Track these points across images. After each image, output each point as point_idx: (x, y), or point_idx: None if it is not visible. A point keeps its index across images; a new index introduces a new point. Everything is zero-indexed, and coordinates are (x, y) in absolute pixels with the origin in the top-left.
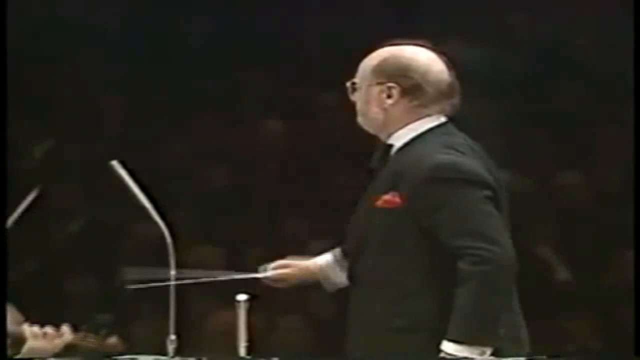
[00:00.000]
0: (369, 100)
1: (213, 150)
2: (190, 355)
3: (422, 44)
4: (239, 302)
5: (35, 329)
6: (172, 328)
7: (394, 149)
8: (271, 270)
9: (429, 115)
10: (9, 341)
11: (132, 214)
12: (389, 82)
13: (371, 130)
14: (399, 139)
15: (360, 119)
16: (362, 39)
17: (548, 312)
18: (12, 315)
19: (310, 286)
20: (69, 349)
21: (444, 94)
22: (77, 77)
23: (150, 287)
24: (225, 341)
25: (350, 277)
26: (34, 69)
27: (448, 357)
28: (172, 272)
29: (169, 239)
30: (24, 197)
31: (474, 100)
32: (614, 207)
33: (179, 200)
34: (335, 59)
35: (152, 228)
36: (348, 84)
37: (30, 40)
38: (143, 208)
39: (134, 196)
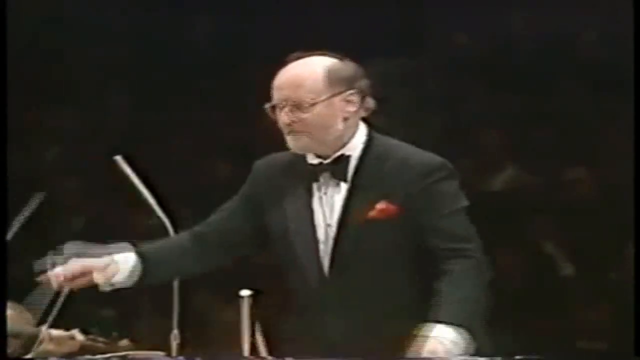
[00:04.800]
0: (331, 114)
1: (216, 145)
2: (193, 352)
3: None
4: (242, 297)
5: (53, 332)
6: (175, 323)
7: (353, 159)
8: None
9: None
10: (20, 341)
11: (135, 209)
12: (349, 89)
13: (319, 148)
14: (354, 149)
15: (310, 138)
16: (363, 37)
17: (549, 310)
18: (21, 315)
19: None
20: (79, 352)
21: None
22: (80, 74)
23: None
24: (229, 337)
25: (330, 286)
26: (36, 66)
27: (441, 339)
28: None
29: (172, 234)
30: (25, 197)
31: (480, 97)
32: (619, 204)
33: (182, 195)
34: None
35: (155, 223)
36: (286, 106)
37: (32, 37)
38: (146, 203)
39: (137, 191)
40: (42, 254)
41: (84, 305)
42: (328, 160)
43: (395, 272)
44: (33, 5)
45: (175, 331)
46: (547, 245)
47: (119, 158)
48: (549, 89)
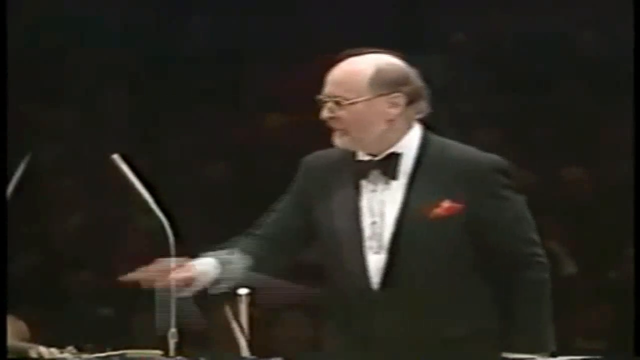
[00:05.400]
0: (371, 115)
1: (215, 145)
2: (191, 352)
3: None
4: (240, 296)
5: (42, 349)
6: (172, 321)
7: (407, 158)
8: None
9: (415, 120)
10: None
11: (133, 208)
12: (394, 92)
13: (360, 146)
14: (408, 148)
15: (349, 136)
16: (362, 35)
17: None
18: (17, 327)
19: (312, 280)
20: None
21: (423, 98)
22: (80, 73)
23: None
24: (226, 336)
25: (383, 285)
26: (35, 65)
27: None
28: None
29: (170, 233)
30: (24, 196)
31: (479, 96)
32: (619, 204)
33: (180, 194)
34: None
35: (153, 222)
36: (329, 101)
37: (32, 37)
38: (144, 202)
39: (135, 190)
40: (41, 253)
41: (82, 304)
42: (378, 158)
43: (457, 272)
44: (33, 5)
45: (173, 330)
46: (547, 245)
47: (116, 157)
48: (548, 89)
